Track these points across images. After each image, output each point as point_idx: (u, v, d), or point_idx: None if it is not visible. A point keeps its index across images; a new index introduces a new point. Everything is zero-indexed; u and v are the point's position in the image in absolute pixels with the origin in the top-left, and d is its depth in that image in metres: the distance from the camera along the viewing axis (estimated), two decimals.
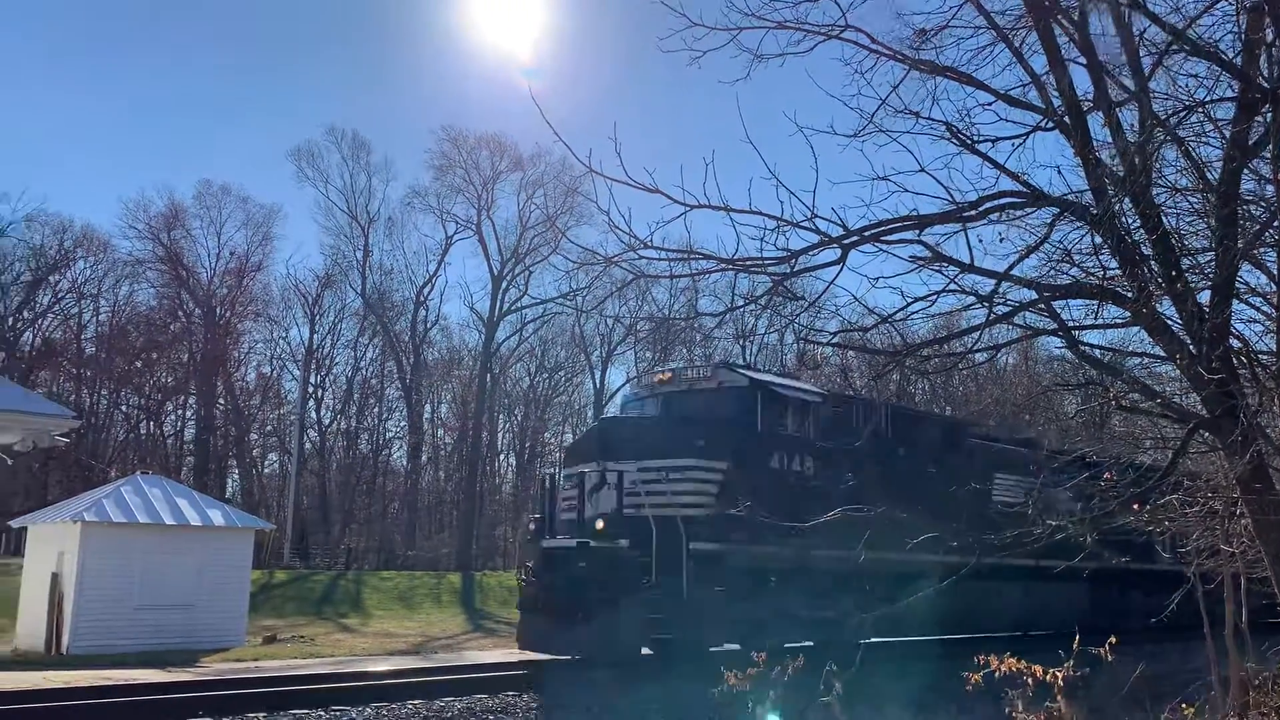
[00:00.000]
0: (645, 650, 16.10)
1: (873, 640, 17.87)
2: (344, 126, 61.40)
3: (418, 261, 61.77)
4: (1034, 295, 7.42)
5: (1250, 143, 6.94)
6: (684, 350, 56.48)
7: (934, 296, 7.24)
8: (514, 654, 18.12)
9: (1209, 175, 7.44)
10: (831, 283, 7.12)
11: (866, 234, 6.89)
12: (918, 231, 7.08)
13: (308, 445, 58.69)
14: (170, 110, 69.99)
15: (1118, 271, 7.36)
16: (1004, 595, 19.68)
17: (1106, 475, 8.51)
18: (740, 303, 24.88)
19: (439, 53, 74.09)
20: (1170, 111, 7.19)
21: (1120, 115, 7.27)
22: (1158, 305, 7.20)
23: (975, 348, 8.18)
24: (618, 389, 58.27)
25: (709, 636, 15.76)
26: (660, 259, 7.21)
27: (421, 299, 61.50)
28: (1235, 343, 7.73)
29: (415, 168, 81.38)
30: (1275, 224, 7.33)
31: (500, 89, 70.36)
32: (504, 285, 58.63)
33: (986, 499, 19.10)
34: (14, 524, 27.31)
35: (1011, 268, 7.36)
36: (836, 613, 16.71)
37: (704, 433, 16.18)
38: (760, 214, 6.59)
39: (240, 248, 61.54)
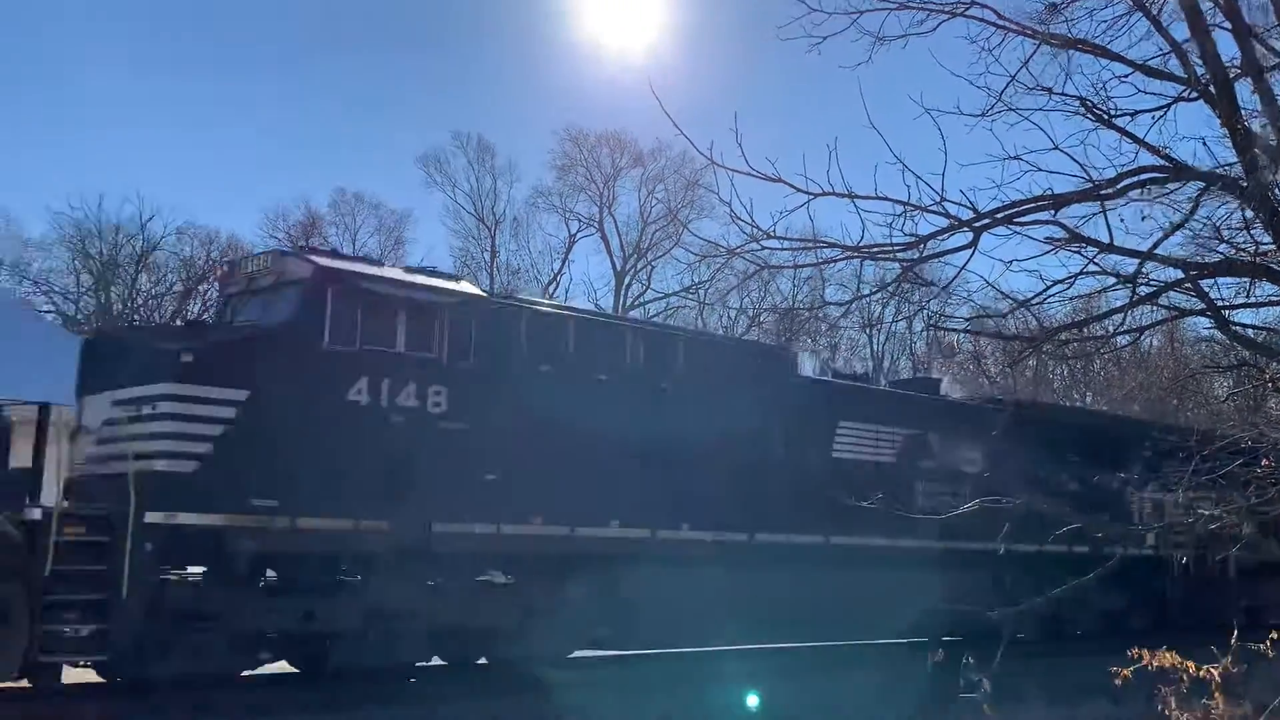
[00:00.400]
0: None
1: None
2: (469, 131, 62.42)
3: (543, 260, 62.64)
4: (1180, 274, 7.11)
5: None
6: (809, 340, 55.86)
7: (1072, 279, 7.01)
8: None
9: None
10: (963, 267, 6.96)
11: (999, 216, 6.71)
12: (1053, 211, 6.85)
13: None
14: (304, 121, 72.94)
15: (1271, 246, 6.97)
16: (863, 587, 14.22)
17: (1265, 461, 8.05)
18: (868, 290, 22.44)
19: (557, 55, 75.08)
20: None
21: (1270, 81, 6.89)
22: None
23: (1118, 331, 7.88)
24: None
25: (188, 660, 9.72)
26: (783, 249, 7.15)
27: (547, 297, 62.53)
28: None
29: (538, 168, 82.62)
30: None
31: (617, 87, 70.72)
32: (627, 281, 59.08)
33: (824, 454, 14.66)
34: None
35: (1155, 246, 7.07)
36: (511, 617, 11.59)
37: (202, 345, 10.24)
38: (886, 199, 6.47)
39: (374, 253, 63.61)
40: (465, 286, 12.51)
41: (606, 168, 58.93)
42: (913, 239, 6.69)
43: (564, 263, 62.63)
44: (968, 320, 9.70)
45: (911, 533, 14.08)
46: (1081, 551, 15.75)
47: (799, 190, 6.41)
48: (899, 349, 55.70)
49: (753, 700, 11.50)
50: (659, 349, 13.30)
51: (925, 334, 53.98)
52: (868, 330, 56.52)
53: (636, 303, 60.11)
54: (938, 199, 6.51)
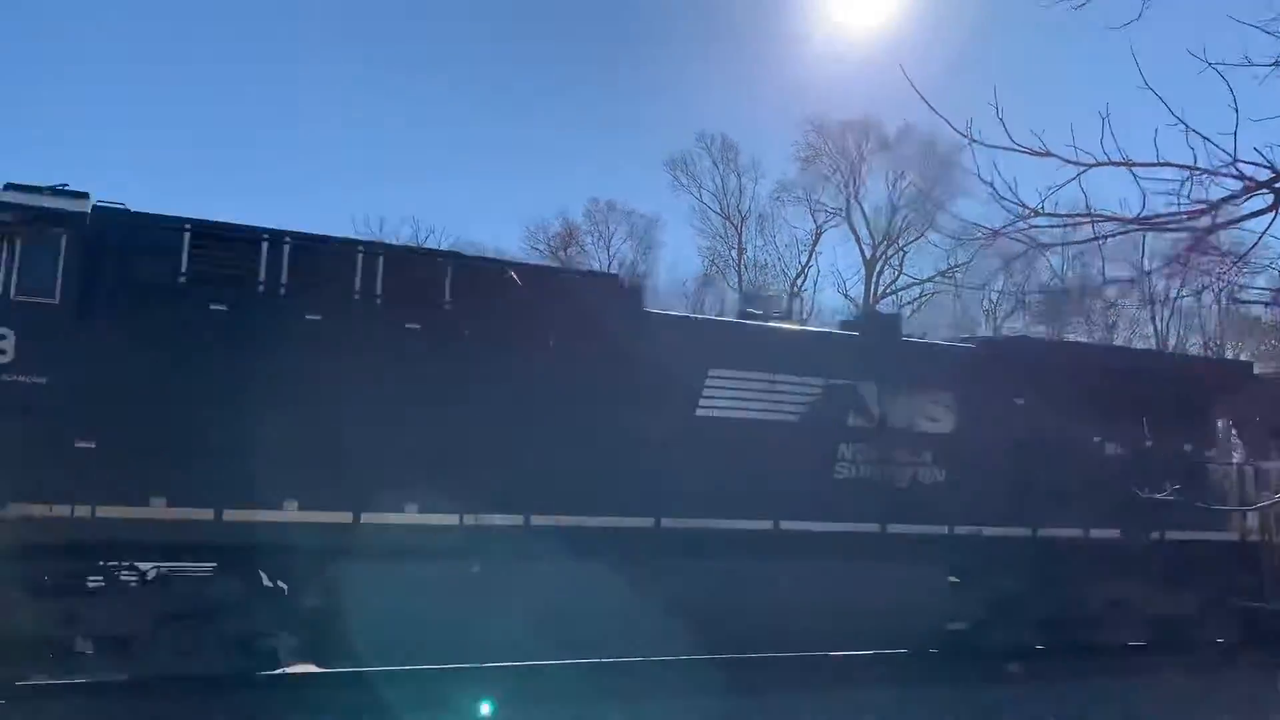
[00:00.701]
0: None
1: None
2: (712, 132, 63.19)
3: (789, 254, 62.52)
4: None
5: None
6: (1082, 322, 52.44)
7: None
8: None
9: None
10: (1264, 233, 6.31)
11: None
12: None
13: None
14: (561, 133, 76.37)
15: None
16: (716, 585, 10.99)
17: None
18: (1155, 265, 20.23)
19: (795, 46, 74.63)
20: None
21: None
22: None
23: None
24: None
25: None
26: (1053, 225, 6.76)
27: (795, 290, 62.11)
28: None
29: (781, 162, 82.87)
30: None
31: (858, 72, 69.46)
32: (878, 268, 57.82)
33: (683, 411, 11.40)
34: None
35: None
36: (136, 624, 9.41)
37: None
38: (1170, 165, 5.99)
39: (627, 258, 65.55)
40: (66, 203, 9.58)
41: (852, 155, 58.03)
42: (1202, 206, 6.15)
43: (810, 255, 62.23)
44: (1272, 291, 8.76)
45: (812, 513, 11.50)
46: (1104, 537, 12.79)
47: (1070, 162, 6.03)
48: (1186, 325, 51.30)
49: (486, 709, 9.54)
50: (411, 278, 10.47)
51: (1216, 307, 49.39)
52: (1149, 307, 52.42)
53: (888, 290, 58.75)
54: (1230, 160, 5.95)
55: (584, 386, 10.71)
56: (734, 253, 62.65)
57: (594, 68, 77.53)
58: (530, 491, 10.29)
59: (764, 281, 63.03)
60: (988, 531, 12.33)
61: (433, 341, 10.27)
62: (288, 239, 9.95)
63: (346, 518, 9.68)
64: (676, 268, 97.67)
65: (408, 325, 10.19)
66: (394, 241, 9.66)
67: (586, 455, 10.57)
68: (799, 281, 62.36)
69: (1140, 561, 13.17)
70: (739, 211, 62.75)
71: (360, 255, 10.22)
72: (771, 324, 12.82)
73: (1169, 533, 13.12)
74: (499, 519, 10.21)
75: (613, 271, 10.07)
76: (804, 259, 61.95)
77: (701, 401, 11.47)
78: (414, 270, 10.58)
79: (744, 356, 11.79)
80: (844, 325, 14.58)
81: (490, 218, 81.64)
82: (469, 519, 10.06)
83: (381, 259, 10.28)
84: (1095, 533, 12.76)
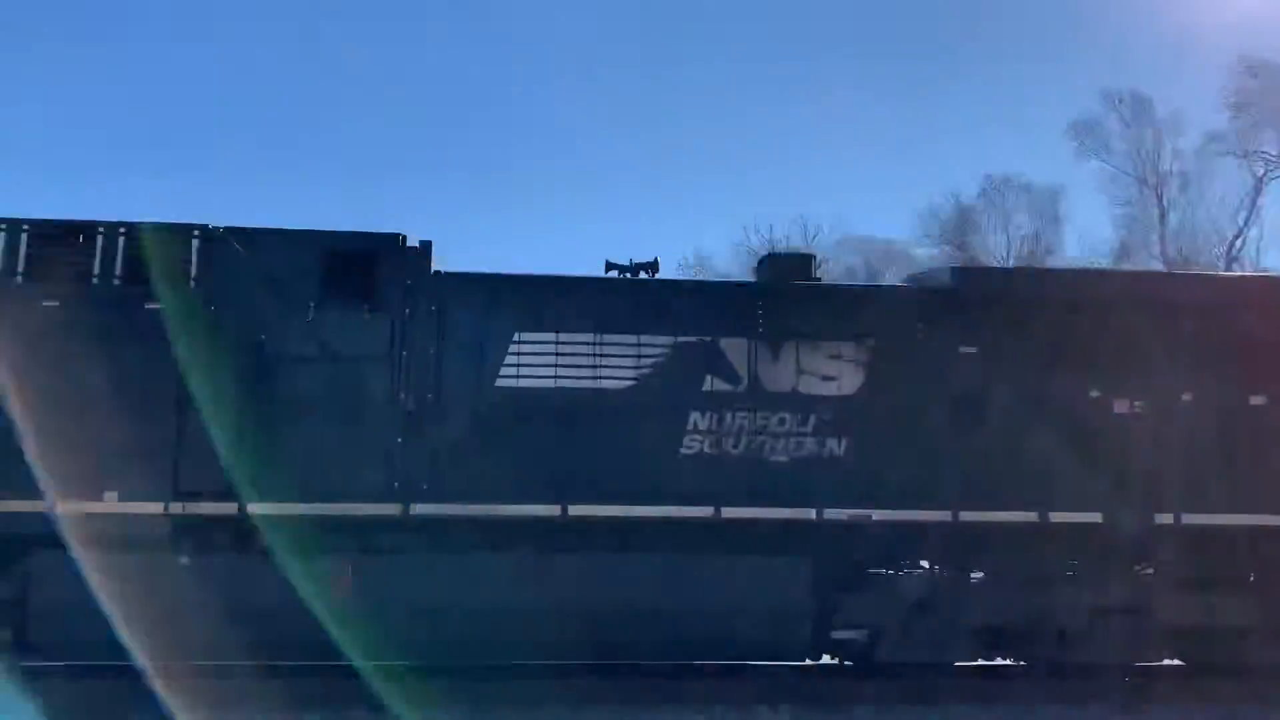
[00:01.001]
0: None
1: None
2: (1119, 88, 58.12)
3: (1223, 213, 55.99)
4: None
5: None
6: None
7: None
8: None
9: None
10: None
11: None
12: None
13: None
14: (948, 111, 73.95)
15: None
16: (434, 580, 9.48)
17: None
18: None
19: None
20: None
21: None
22: None
23: None
24: None
25: None
26: None
27: (1233, 254, 55.50)
28: None
29: (1206, 113, 73.83)
30: None
31: None
32: None
33: (479, 383, 9.77)
34: None
35: None
36: None
37: None
38: None
39: (1029, 234, 62.17)
40: None
41: None
42: None
43: (1250, 212, 55.20)
44: None
45: (632, 496, 9.64)
46: (1075, 521, 9.90)
47: None
48: None
49: None
50: (154, 256, 9.66)
51: None
52: None
53: None
54: None
55: (346, 359, 9.74)
56: (1155, 216, 57.29)
57: (983, 36, 74.11)
58: (251, 476, 9.48)
59: (1194, 247, 57.44)
60: (879, 516, 9.97)
61: (175, 321, 9.58)
62: (25, 226, 9.75)
63: (40, 505, 9.10)
64: (1087, 241, 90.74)
65: (148, 306, 9.61)
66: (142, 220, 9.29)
67: (331, 434, 9.68)
68: (1237, 244, 55.71)
69: (1148, 555, 10.35)
70: (1157, 171, 57.26)
71: (100, 236, 9.78)
72: (604, 277, 10.83)
73: (1187, 516, 10.13)
74: (211, 508, 9.38)
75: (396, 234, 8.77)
76: (1242, 218, 55.37)
77: (503, 371, 9.95)
78: (157, 248, 9.80)
79: (561, 317, 10.10)
80: (762, 265, 11.92)
81: (882, 208, 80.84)
82: (175, 507, 9.32)
83: (122, 239, 9.76)
84: (1058, 516, 10.03)
